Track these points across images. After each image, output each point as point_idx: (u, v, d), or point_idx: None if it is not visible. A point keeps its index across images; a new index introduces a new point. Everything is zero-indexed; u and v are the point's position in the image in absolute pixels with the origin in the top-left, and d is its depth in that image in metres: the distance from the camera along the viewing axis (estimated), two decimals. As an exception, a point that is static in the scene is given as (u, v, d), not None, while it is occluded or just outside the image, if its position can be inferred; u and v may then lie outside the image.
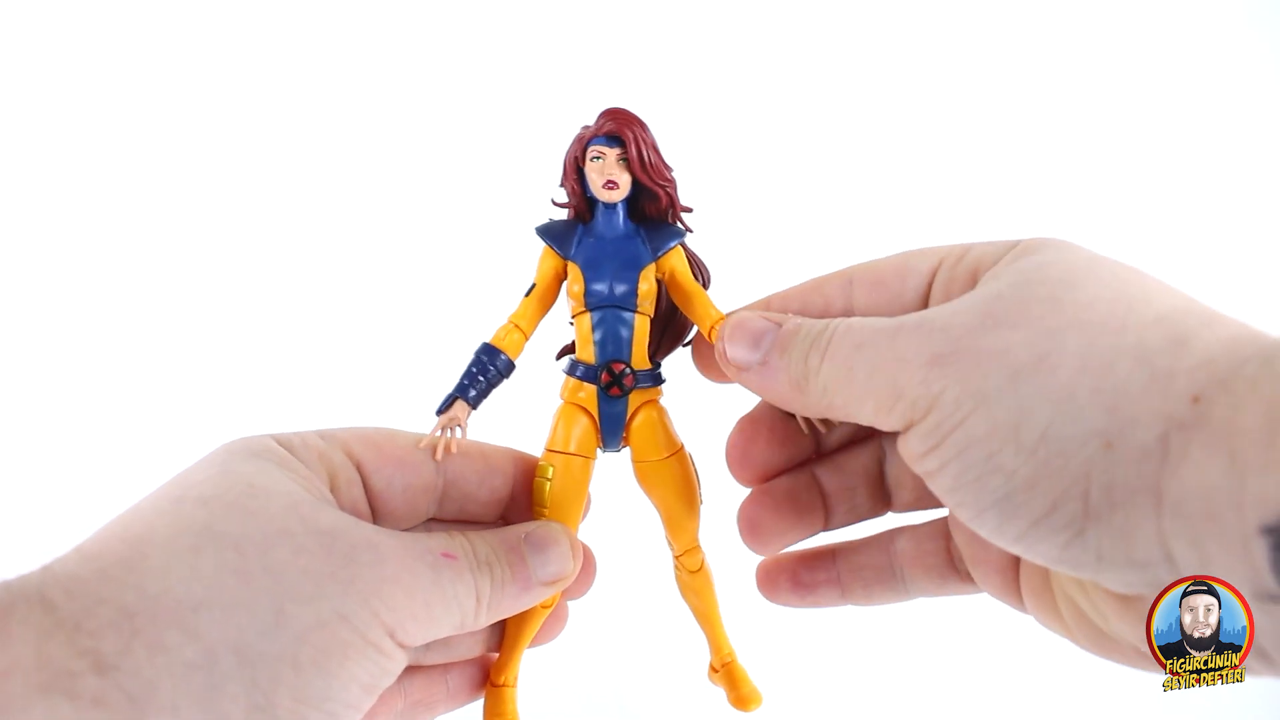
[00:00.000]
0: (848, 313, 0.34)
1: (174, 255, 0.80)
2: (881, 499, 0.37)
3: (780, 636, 0.64)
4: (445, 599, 0.31)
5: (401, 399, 0.50)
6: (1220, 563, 0.23)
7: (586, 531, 0.38)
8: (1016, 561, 0.32)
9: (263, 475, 0.31)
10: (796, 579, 0.38)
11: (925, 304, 0.32)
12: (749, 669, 0.40)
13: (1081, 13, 0.87)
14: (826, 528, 0.38)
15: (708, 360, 0.37)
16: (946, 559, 0.36)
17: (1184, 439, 0.23)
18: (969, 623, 0.69)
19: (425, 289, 0.79)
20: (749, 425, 0.37)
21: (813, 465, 0.38)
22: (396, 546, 0.31)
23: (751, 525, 0.37)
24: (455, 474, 0.36)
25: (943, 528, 0.36)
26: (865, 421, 0.30)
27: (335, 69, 0.82)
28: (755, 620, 0.44)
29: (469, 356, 0.37)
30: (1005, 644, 0.69)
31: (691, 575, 0.39)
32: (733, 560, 0.39)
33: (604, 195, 0.36)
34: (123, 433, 0.75)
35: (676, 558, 0.39)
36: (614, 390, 0.36)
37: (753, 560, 0.38)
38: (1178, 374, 0.24)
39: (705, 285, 0.38)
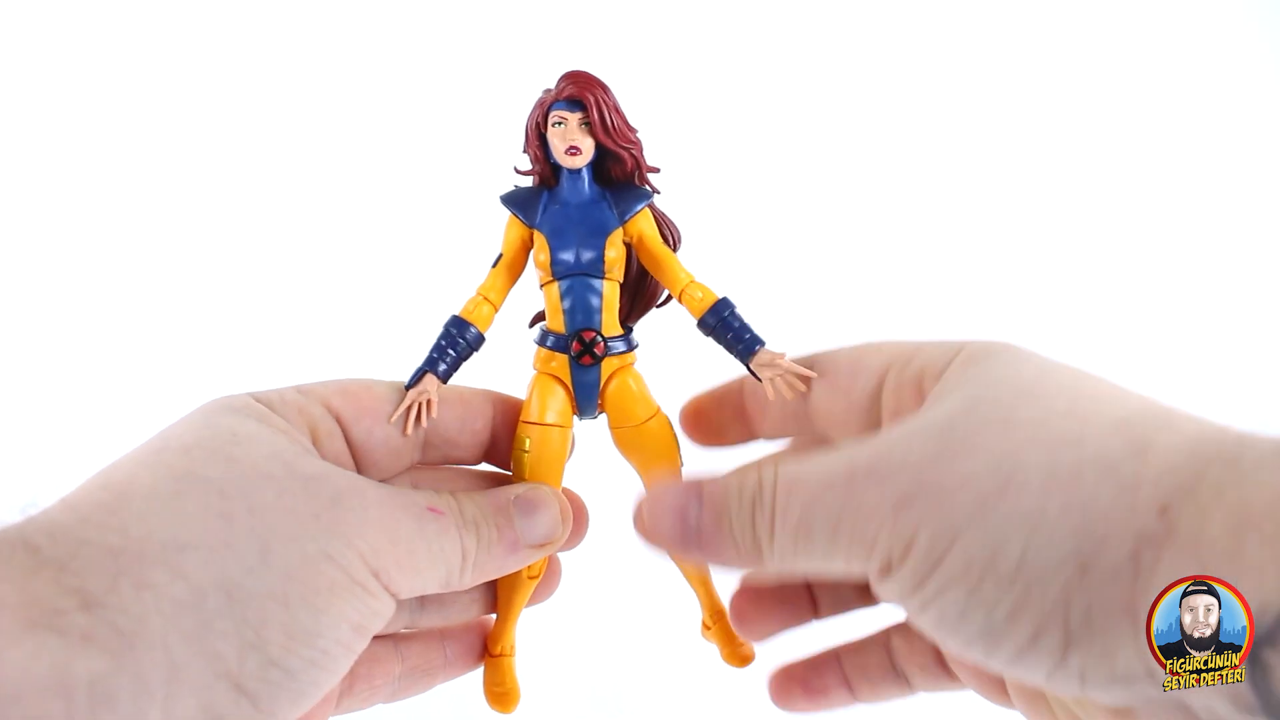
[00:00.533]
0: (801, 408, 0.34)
1: (152, 230, 0.80)
2: (868, 594, 0.36)
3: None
4: (430, 551, 0.31)
5: (378, 354, 0.50)
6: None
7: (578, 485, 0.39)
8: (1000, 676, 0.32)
9: (244, 427, 0.31)
10: (808, 686, 0.38)
11: (876, 407, 0.33)
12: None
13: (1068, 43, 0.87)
14: (817, 616, 0.38)
15: (697, 429, 0.38)
16: (936, 658, 0.36)
17: (1154, 555, 0.23)
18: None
19: (396, 252, 0.79)
20: (751, 593, 0.38)
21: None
22: (381, 494, 0.31)
23: (741, 618, 0.38)
24: (435, 421, 0.36)
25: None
26: (835, 575, 0.29)
27: (308, 48, 0.82)
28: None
29: (438, 329, 0.37)
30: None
31: None
32: None
33: (567, 161, 0.36)
34: (105, 402, 0.76)
35: None
36: (585, 359, 0.36)
37: None
38: (1143, 483, 0.24)
39: (675, 246, 0.38)
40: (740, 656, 0.39)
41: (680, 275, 0.37)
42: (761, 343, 0.36)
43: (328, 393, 0.35)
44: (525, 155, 0.37)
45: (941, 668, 0.36)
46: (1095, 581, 0.24)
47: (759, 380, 0.35)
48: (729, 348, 0.36)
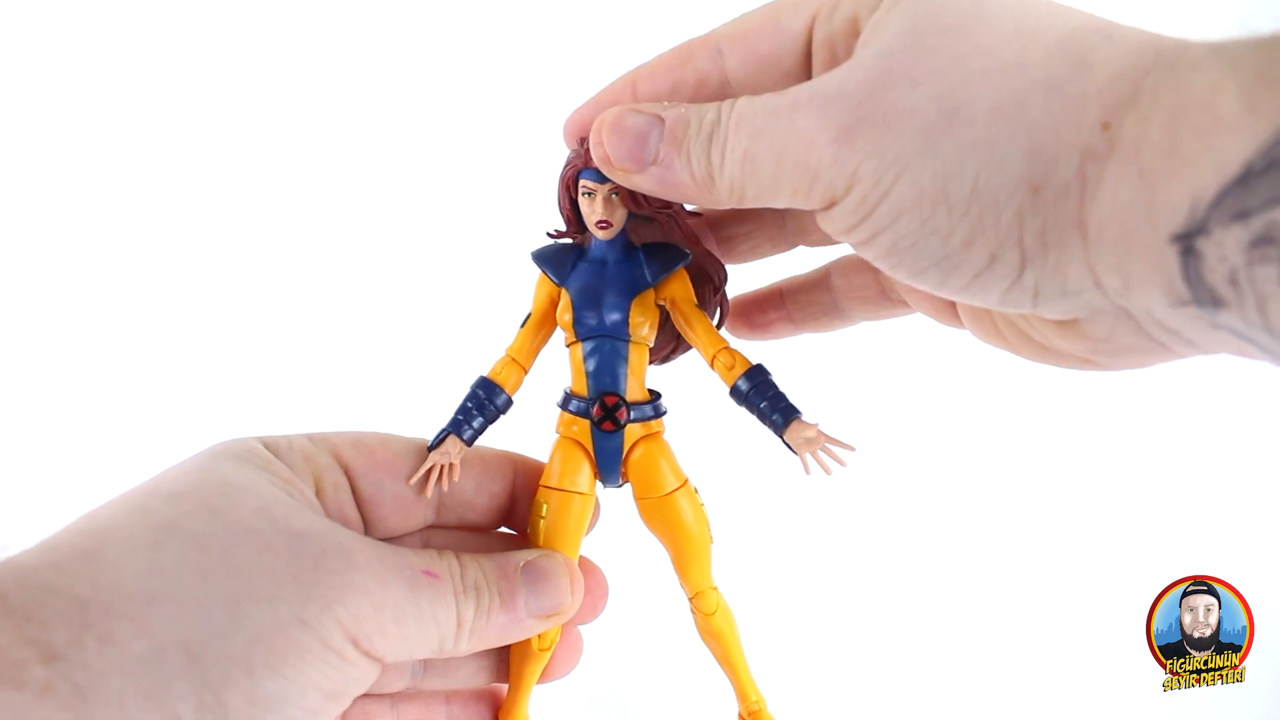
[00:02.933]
0: (723, 86, 0.31)
1: (171, 261, 0.79)
2: (783, 242, 0.37)
3: (810, 679, 0.63)
4: (420, 617, 0.30)
5: (403, 405, 0.50)
6: (1140, 279, 0.24)
7: (593, 544, 0.37)
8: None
9: (240, 475, 0.30)
10: (750, 321, 0.38)
11: (808, 65, 0.30)
12: (779, 717, 0.37)
13: None
14: (730, 262, 0.38)
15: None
16: (878, 290, 0.36)
17: (1098, 168, 0.24)
18: (978, 634, 0.69)
19: (426, 297, 0.78)
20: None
21: (711, 221, 0.38)
22: (371, 556, 0.30)
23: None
24: (455, 482, 0.34)
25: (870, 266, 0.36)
26: (784, 205, 0.29)
27: (339, 82, 0.81)
28: (783, 663, 0.43)
29: (464, 390, 0.35)
30: (1009, 650, 0.69)
31: (707, 618, 0.36)
32: (755, 601, 0.38)
33: (598, 234, 0.34)
34: (116, 437, 0.74)
35: (690, 599, 0.37)
36: (607, 425, 0.34)
37: (776, 599, 0.37)
38: (1088, 100, 0.24)
39: (719, 286, 0.36)
40: None
41: (713, 341, 0.35)
42: (797, 413, 0.33)
43: (340, 443, 0.33)
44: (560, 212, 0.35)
45: (884, 298, 0.36)
46: (1046, 200, 0.24)
47: (794, 453, 0.33)
48: (762, 418, 0.34)
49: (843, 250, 0.36)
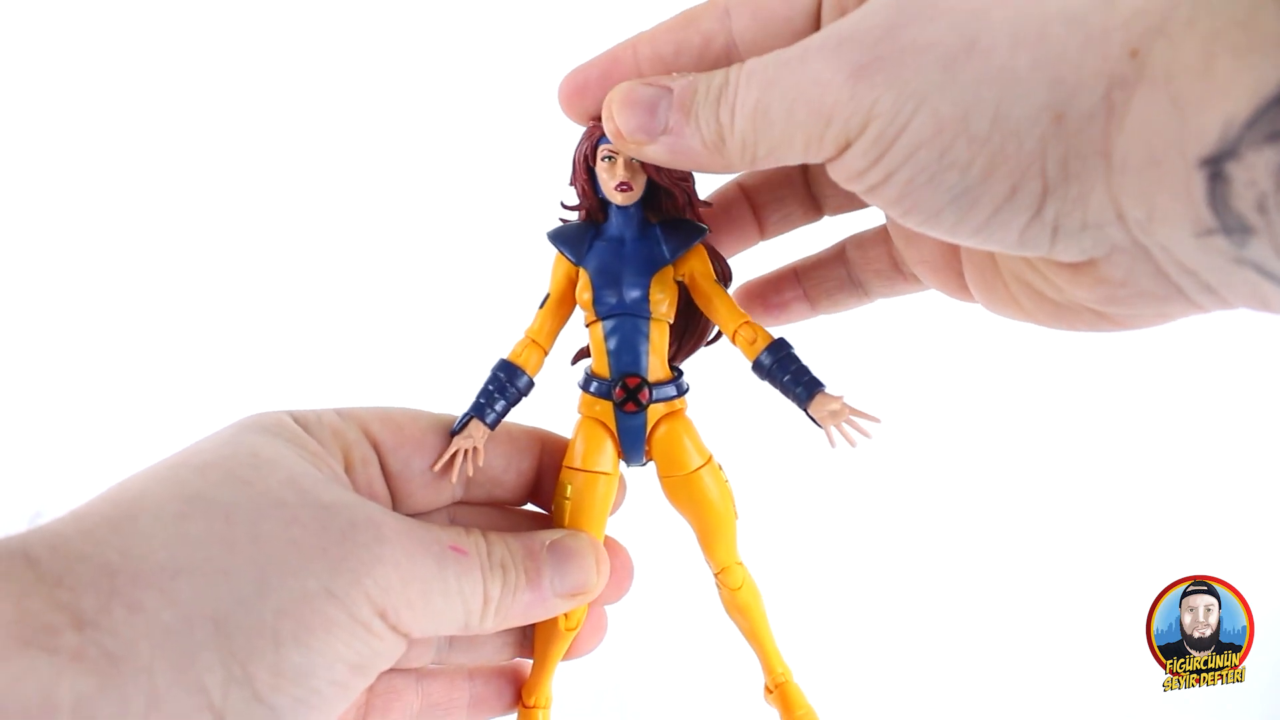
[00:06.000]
0: (729, 49, 0.31)
1: (210, 240, 0.79)
2: (811, 206, 0.37)
3: (834, 653, 0.63)
4: (447, 592, 0.30)
5: (429, 383, 0.49)
6: (1164, 208, 0.23)
7: (615, 527, 0.37)
8: (956, 258, 0.32)
9: (269, 448, 0.30)
10: (767, 301, 0.38)
11: (818, 25, 0.30)
12: (805, 689, 0.38)
13: None
14: (763, 237, 0.38)
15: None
16: (891, 264, 0.36)
17: (1125, 95, 0.23)
18: (978, 634, 0.69)
19: (449, 277, 0.78)
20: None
21: (744, 187, 0.37)
22: (400, 529, 0.30)
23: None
24: (480, 466, 0.34)
25: (884, 234, 0.36)
26: (797, 160, 0.28)
27: (349, 64, 0.81)
28: (808, 636, 0.43)
29: (485, 373, 0.35)
30: (1009, 650, 0.69)
31: (733, 593, 0.37)
32: (779, 574, 0.38)
33: (617, 198, 0.33)
34: (149, 411, 0.74)
35: (716, 575, 0.37)
36: (629, 406, 0.34)
37: (801, 573, 0.37)
38: (1112, 31, 0.23)
39: (725, 282, 0.36)
40: None
41: (734, 315, 0.35)
42: (821, 386, 0.33)
43: (369, 418, 0.33)
44: (572, 188, 0.35)
45: (897, 272, 0.36)
46: (1070, 128, 0.24)
47: (818, 426, 0.33)
48: (785, 391, 0.33)
49: (858, 227, 0.36)
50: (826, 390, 0.33)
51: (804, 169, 0.37)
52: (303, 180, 0.80)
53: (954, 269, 0.33)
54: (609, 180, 0.33)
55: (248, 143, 0.80)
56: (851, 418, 0.32)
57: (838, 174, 0.27)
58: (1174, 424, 0.79)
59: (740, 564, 0.37)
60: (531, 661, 0.37)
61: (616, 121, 0.30)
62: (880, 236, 0.36)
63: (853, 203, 0.36)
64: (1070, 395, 0.78)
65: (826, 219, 0.38)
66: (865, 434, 0.32)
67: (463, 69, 0.81)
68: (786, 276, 0.38)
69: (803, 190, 0.37)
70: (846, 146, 0.26)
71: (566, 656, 0.37)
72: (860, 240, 0.37)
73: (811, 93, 0.26)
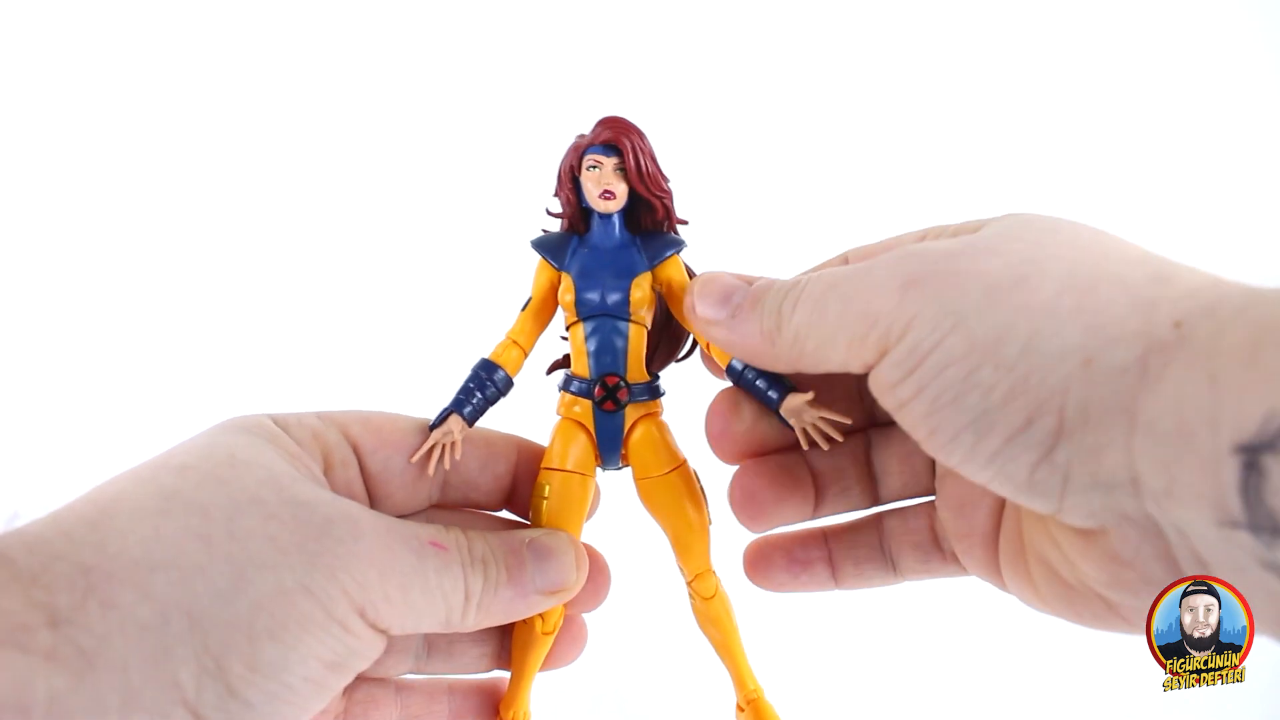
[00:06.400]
0: None
1: (187, 245, 0.80)
2: (869, 486, 0.37)
3: (807, 668, 0.63)
4: (428, 588, 0.30)
5: (409, 387, 0.50)
6: (1186, 484, 0.22)
7: (594, 535, 0.37)
8: (996, 534, 0.32)
9: (248, 449, 0.30)
10: (791, 555, 0.37)
11: None
12: (777, 706, 0.38)
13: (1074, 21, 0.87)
14: (815, 514, 0.36)
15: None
16: (931, 538, 0.36)
17: (1164, 360, 0.23)
18: (978, 634, 0.69)
19: (431, 283, 0.79)
20: (731, 395, 0.36)
21: (801, 451, 0.37)
22: (379, 525, 0.30)
23: (747, 495, 0.35)
24: (458, 462, 0.35)
25: (929, 509, 0.36)
26: (838, 365, 0.29)
27: (342, 74, 0.82)
28: (783, 651, 0.43)
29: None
30: (1009, 650, 0.69)
31: (706, 602, 0.37)
32: (752, 588, 0.38)
33: (600, 205, 0.35)
34: (129, 415, 0.75)
35: (688, 584, 0.37)
36: (608, 405, 0.35)
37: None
38: (1160, 303, 0.24)
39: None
40: None
41: None
42: (792, 388, 0.34)
43: (348, 420, 0.34)
44: (556, 199, 0.36)
45: (935, 548, 0.36)
46: (1098, 376, 0.24)
47: (789, 428, 0.34)
48: (758, 394, 0.34)
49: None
50: (797, 391, 0.34)
51: (867, 449, 0.36)
52: (283, 185, 0.80)
53: (993, 546, 0.32)
54: (593, 188, 0.34)
55: (229, 149, 0.80)
56: (821, 418, 0.33)
57: (875, 385, 0.28)
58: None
59: (713, 572, 0.37)
60: (509, 674, 0.37)
61: (694, 298, 0.33)
62: (924, 508, 0.36)
63: (914, 488, 0.36)
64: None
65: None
66: (836, 436, 0.33)
67: (440, 83, 0.81)
68: (814, 537, 0.37)
69: (864, 464, 0.36)
70: (884, 353, 0.27)
71: (545, 666, 0.37)
72: (903, 511, 0.37)
73: (865, 296, 0.27)
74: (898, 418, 0.28)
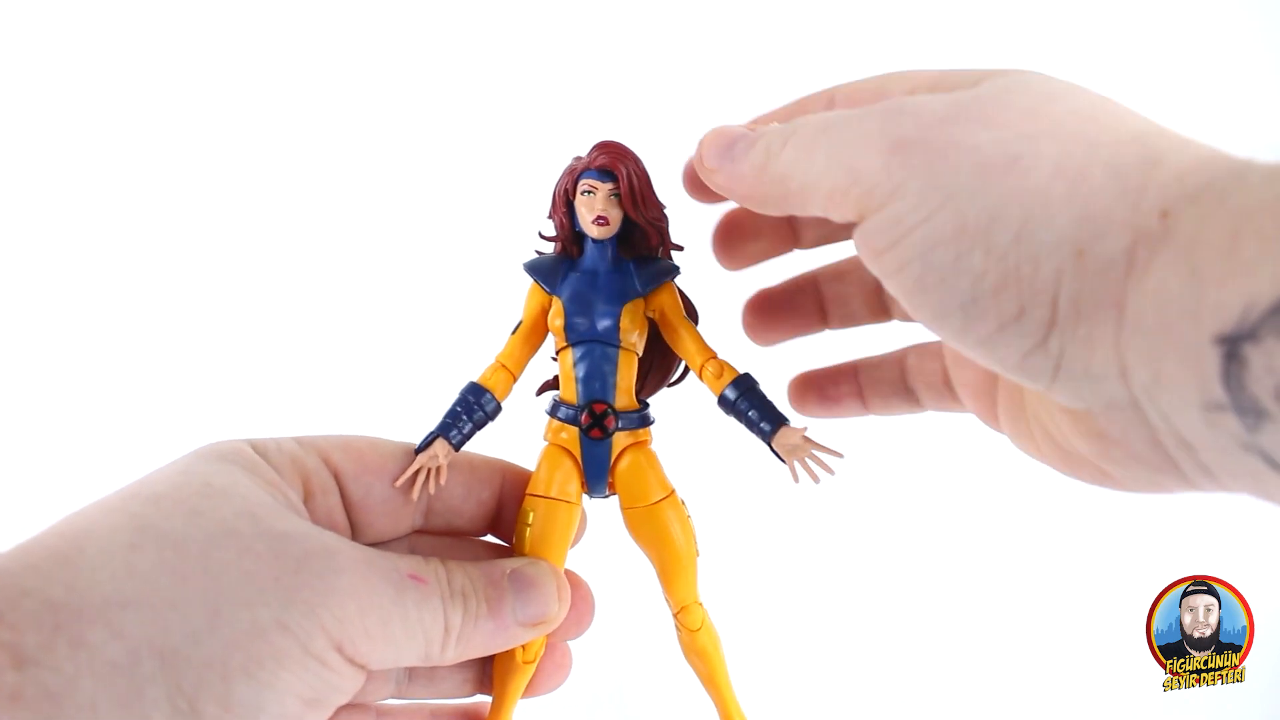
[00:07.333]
0: None
1: (161, 266, 0.78)
2: (880, 310, 0.38)
3: (794, 701, 0.63)
4: (407, 622, 0.29)
5: (393, 411, 0.49)
6: (1171, 374, 0.23)
7: (579, 561, 0.37)
8: (994, 386, 0.32)
9: (223, 477, 0.29)
10: (823, 393, 0.38)
11: None
12: None
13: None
14: (827, 325, 0.39)
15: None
16: (943, 379, 0.36)
17: (1149, 253, 0.23)
18: (978, 634, 0.69)
19: (416, 304, 0.78)
20: (764, 299, 0.38)
21: (816, 275, 0.39)
22: (357, 558, 0.29)
23: (754, 310, 0.38)
24: (441, 487, 0.34)
25: (941, 348, 0.36)
26: (818, 210, 0.28)
27: (330, 93, 0.81)
28: (769, 684, 0.42)
29: (454, 394, 0.35)
30: (1009, 651, 0.69)
31: (692, 634, 0.36)
32: (739, 616, 0.37)
33: (593, 231, 0.34)
34: (101, 441, 0.73)
35: (675, 615, 0.37)
36: (595, 432, 0.35)
37: (762, 616, 0.37)
38: (1149, 189, 0.24)
39: (694, 321, 0.37)
40: None
41: (701, 350, 0.35)
42: (785, 421, 0.33)
43: (328, 446, 0.33)
44: (550, 221, 0.36)
45: (947, 389, 0.36)
46: (1089, 268, 0.24)
47: (782, 461, 0.34)
48: (750, 426, 0.34)
49: (919, 332, 0.36)
50: (790, 425, 0.33)
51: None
52: (265, 202, 0.79)
53: (991, 398, 0.33)
54: (587, 214, 0.34)
55: (210, 171, 0.79)
56: (815, 452, 0.33)
57: (860, 248, 0.27)
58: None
59: (700, 604, 0.36)
60: (490, 700, 0.36)
61: (703, 149, 0.31)
62: (938, 351, 0.36)
63: None
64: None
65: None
66: (828, 470, 0.33)
67: (428, 105, 0.81)
68: (845, 372, 0.38)
69: (873, 288, 0.38)
70: (863, 216, 0.26)
71: (527, 693, 0.36)
72: (923, 349, 0.37)
73: (853, 148, 0.26)
74: (884, 284, 0.28)
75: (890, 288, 0.27)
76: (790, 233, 0.37)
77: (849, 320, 0.38)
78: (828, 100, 0.33)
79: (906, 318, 0.37)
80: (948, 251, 0.25)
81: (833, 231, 0.37)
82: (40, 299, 0.76)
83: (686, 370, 0.37)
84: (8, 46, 0.76)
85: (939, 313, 0.26)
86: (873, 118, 0.27)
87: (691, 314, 0.37)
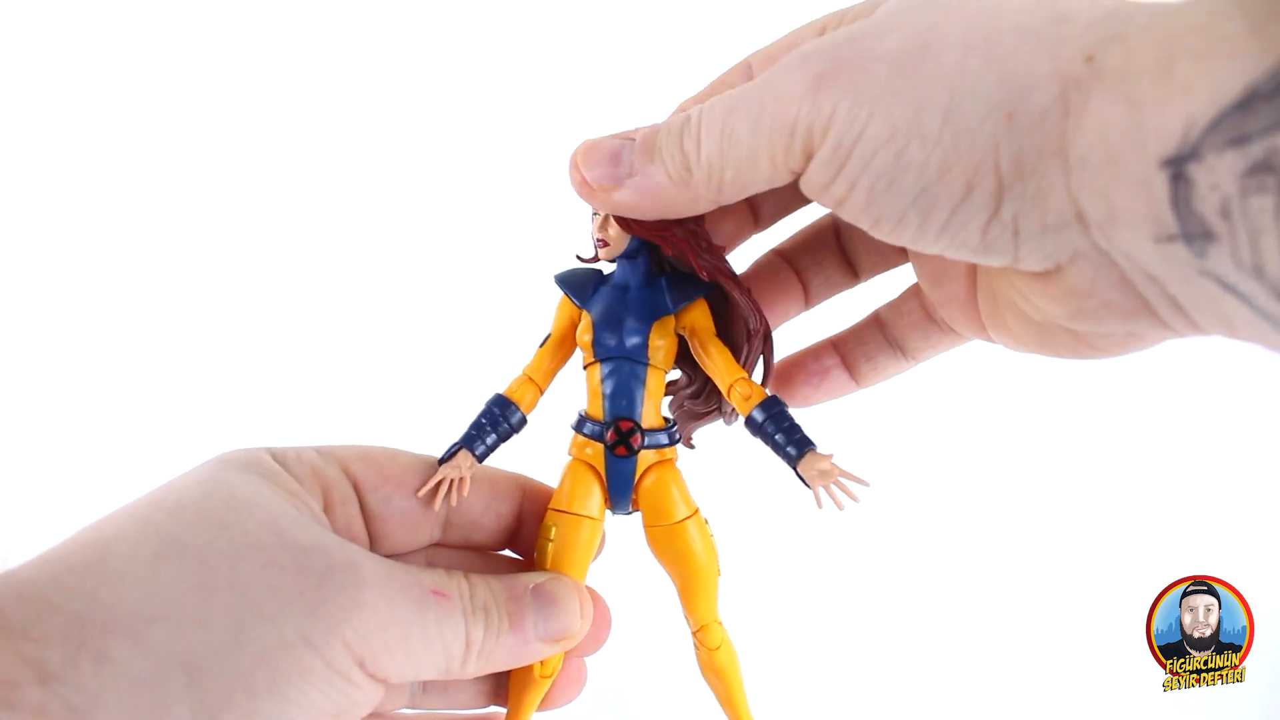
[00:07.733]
0: None
1: (185, 273, 0.78)
2: (848, 270, 0.37)
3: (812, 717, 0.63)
4: (428, 637, 0.29)
5: (415, 422, 0.49)
6: (1125, 208, 0.23)
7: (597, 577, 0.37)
8: (974, 295, 0.33)
9: (246, 488, 0.29)
10: (806, 369, 0.37)
11: None
12: None
13: None
14: (808, 303, 0.38)
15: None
16: (924, 315, 0.36)
17: (1082, 96, 0.23)
18: (978, 635, 0.69)
19: (442, 315, 0.78)
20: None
21: (782, 250, 0.38)
22: (380, 572, 0.29)
23: None
24: (461, 500, 0.34)
25: (915, 290, 0.36)
26: (764, 181, 0.28)
27: (359, 100, 0.81)
28: (787, 703, 0.42)
29: (479, 406, 0.35)
30: (1009, 651, 0.69)
31: (711, 653, 0.36)
32: (759, 636, 0.37)
33: (600, 254, 0.34)
34: (123, 447, 0.73)
35: (694, 633, 0.36)
36: (620, 450, 0.34)
37: (781, 636, 0.36)
38: (1066, 40, 0.24)
39: (751, 335, 0.35)
40: None
41: (731, 370, 0.34)
42: (812, 445, 0.33)
43: (349, 457, 0.33)
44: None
45: (931, 322, 0.36)
46: (1023, 127, 0.24)
47: (807, 486, 0.33)
48: (776, 449, 0.33)
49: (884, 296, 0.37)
50: (817, 450, 0.32)
51: (836, 230, 0.37)
52: (284, 206, 0.79)
53: (974, 304, 0.33)
54: (592, 234, 0.34)
55: (237, 179, 0.79)
56: (840, 480, 0.32)
57: (808, 189, 0.27)
58: (1174, 424, 0.79)
59: (719, 623, 0.36)
60: (505, 711, 0.36)
61: (583, 173, 0.30)
62: (911, 290, 0.36)
63: (887, 262, 0.37)
64: (1071, 394, 0.78)
65: (862, 286, 0.39)
66: (853, 497, 0.32)
67: (449, 111, 0.81)
68: (824, 347, 0.38)
69: (838, 252, 0.37)
70: (810, 157, 0.26)
71: (542, 707, 0.36)
72: (894, 303, 0.37)
73: (775, 108, 0.26)
74: (840, 214, 0.28)
75: (846, 215, 0.27)
76: (749, 214, 0.37)
77: (829, 287, 0.38)
78: (745, 70, 0.33)
79: (874, 271, 0.38)
80: (887, 154, 0.25)
81: (789, 200, 0.36)
82: (62, 306, 0.76)
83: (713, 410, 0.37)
84: (11, 49, 0.76)
85: (895, 216, 0.26)
86: (783, 71, 0.27)
87: (747, 325, 0.36)
